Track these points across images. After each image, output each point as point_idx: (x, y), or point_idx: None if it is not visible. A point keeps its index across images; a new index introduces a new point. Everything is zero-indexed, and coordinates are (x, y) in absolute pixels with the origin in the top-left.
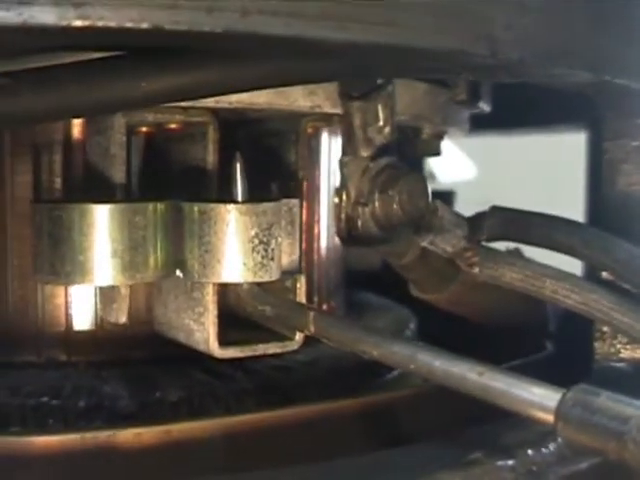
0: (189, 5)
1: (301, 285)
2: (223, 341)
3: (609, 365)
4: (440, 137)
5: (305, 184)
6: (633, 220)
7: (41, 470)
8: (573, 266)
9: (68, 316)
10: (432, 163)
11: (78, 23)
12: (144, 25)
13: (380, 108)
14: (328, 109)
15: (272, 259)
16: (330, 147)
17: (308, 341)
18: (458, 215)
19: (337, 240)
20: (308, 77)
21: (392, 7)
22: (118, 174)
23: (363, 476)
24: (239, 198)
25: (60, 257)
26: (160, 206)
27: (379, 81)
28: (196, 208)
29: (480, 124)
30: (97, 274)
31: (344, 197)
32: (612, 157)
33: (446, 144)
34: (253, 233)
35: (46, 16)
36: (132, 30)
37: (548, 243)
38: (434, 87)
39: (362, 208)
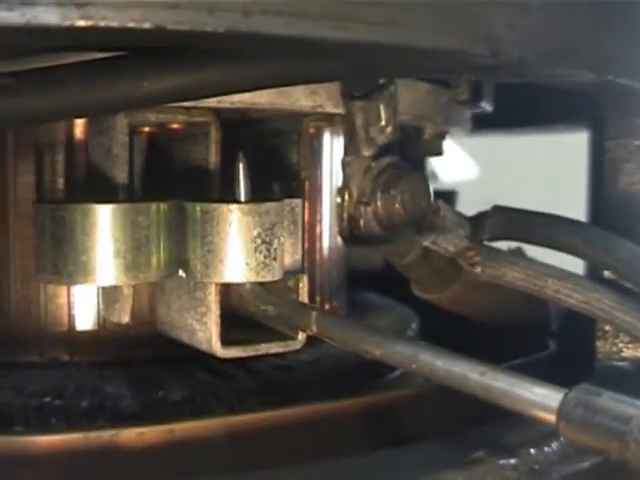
0: (191, 5)
1: (303, 285)
2: (226, 341)
3: (611, 364)
4: (442, 137)
5: (307, 184)
6: (635, 219)
7: (44, 470)
8: (575, 265)
9: (71, 316)
10: (434, 163)
11: (81, 23)
12: (146, 25)
13: (382, 108)
14: (330, 109)
15: (274, 259)
16: (332, 147)
17: (310, 341)
18: (460, 215)
19: (339, 240)
20: (310, 77)
21: (393, 7)
22: (120, 174)
23: (365, 475)
24: (242, 198)
25: (63, 257)
26: (163, 206)
27: (381, 81)
28: (199, 208)
29: (482, 124)
30: (100, 274)
31: (346, 197)
32: (614, 156)
33: (448, 144)
34: (256, 233)
35: (49, 16)
36: (134, 30)
37: (550, 242)
38: (436, 87)
39: (364, 208)
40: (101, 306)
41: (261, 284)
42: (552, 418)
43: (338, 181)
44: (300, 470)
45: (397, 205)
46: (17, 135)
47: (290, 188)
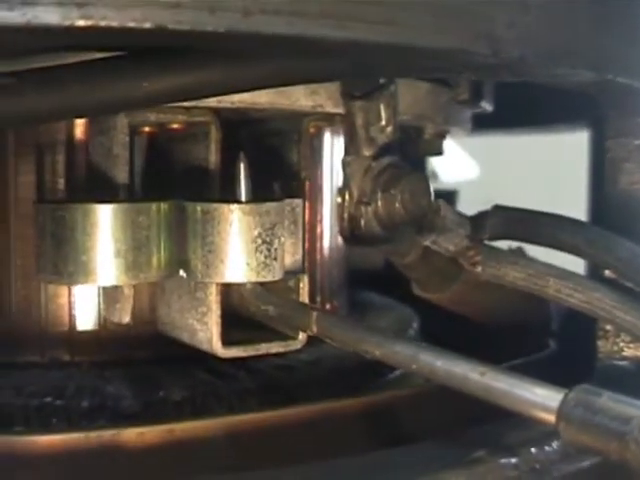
0: (192, 5)
1: (304, 285)
2: (226, 341)
3: (612, 364)
4: (442, 137)
5: (308, 184)
6: (635, 219)
7: (44, 469)
8: (576, 265)
9: (71, 316)
10: (435, 163)
11: (81, 23)
12: (147, 25)
13: (382, 107)
14: (330, 109)
15: (275, 259)
16: (332, 147)
17: (311, 341)
18: (460, 214)
19: (340, 240)
20: (310, 76)
21: (393, 6)
22: (121, 174)
23: (366, 475)
24: (243, 198)
25: (63, 257)
26: (163, 206)
27: (381, 81)
28: (199, 208)
29: (482, 124)
30: (100, 274)
31: (346, 196)
32: (614, 156)
33: (448, 144)
34: (256, 233)
35: (49, 16)
36: (135, 30)
37: (551, 242)
38: (436, 87)
39: (365, 207)
40: (102, 306)
41: (262, 284)
42: (552, 418)
43: (338, 181)
44: (300, 470)
45: (397, 205)
46: (18, 135)
47: (290, 188)
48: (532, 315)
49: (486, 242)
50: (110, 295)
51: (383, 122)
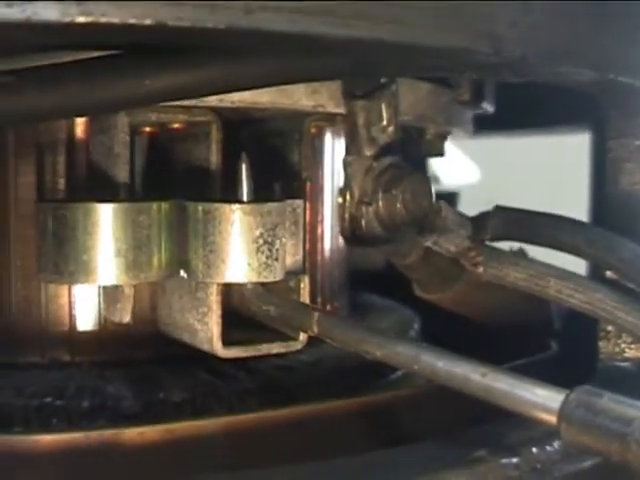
0: (192, 1)
1: (305, 285)
2: (227, 341)
3: (613, 365)
4: (444, 137)
5: (308, 184)
6: (636, 219)
7: (45, 469)
8: (577, 266)
9: (71, 316)
10: (436, 166)
11: (81, 19)
12: (147, 21)
13: (384, 107)
14: (331, 108)
15: (276, 259)
16: (333, 147)
17: (311, 341)
18: (462, 215)
19: (341, 241)
20: (311, 75)
21: (396, 4)
22: (122, 173)
23: (366, 475)
24: (244, 198)
25: (64, 256)
26: (164, 206)
27: (382, 80)
28: (200, 208)
29: (483, 125)
30: (101, 273)
31: (347, 197)
32: (615, 156)
33: (450, 148)
34: (258, 233)
35: (49, 12)
36: (135, 26)
37: (552, 242)
38: (437, 87)
39: (366, 208)
40: (102, 306)
41: (263, 284)
42: (553, 419)
43: (339, 181)
44: (300, 470)
45: (399, 205)
46: (18, 135)
47: (291, 188)
48: (533, 316)
49: (487, 243)
50: (110, 295)
51: (384, 122)
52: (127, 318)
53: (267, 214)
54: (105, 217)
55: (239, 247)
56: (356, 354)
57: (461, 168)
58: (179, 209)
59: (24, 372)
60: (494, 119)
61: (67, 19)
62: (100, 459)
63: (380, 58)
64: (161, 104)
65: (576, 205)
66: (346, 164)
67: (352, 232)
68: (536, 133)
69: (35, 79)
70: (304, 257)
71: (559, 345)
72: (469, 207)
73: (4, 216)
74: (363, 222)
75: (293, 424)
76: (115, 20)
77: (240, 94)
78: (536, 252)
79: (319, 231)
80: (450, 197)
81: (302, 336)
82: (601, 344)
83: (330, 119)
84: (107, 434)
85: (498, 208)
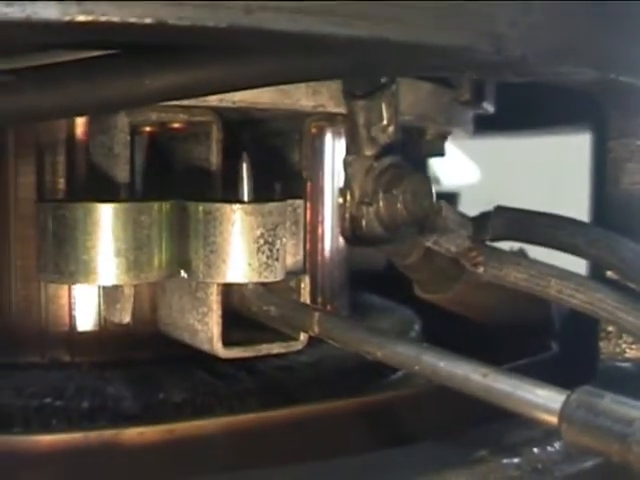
0: (193, 0)
1: (305, 285)
2: (227, 341)
3: (614, 365)
4: (444, 137)
5: (309, 184)
6: (637, 219)
7: (45, 469)
8: (578, 266)
9: (71, 317)
10: (436, 167)
11: (81, 18)
12: (147, 20)
13: (384, 107)
14: (332, 108)
15: (277, 259)
16: (334, 147)
17: (312, 342)
18: (462, 215)
19: (341, 241)
20: (312, 74)
21: (396, 4)
22: (122, 173)
23: (367, 475)
24: (245, 198)
25: (64, 256)
26: (165, 206)
27: (383, 80)
28: (201, 208)
29: (484, 126)
30: (101, 273)
31: (348, 197)
32: (616, 156)
33: (450, 148)
34: (258, 233)
35: (49, 11)
36: (135, 25)
37: (553, 243)
38: (438, 87)
39: (366, 208)
40: (102, 306)
41: (263, 284)
42: (554, 420)
43: (340, 181)
44: (300, 470)
45: (399, 205)
46: (18, 135)
47: (292, 188)
48: (534, 316)
49: (488, 243)
50: (110, 295)
51: (385, 122)
52: (127, 318)
53: (268, 214)
54: (105, 217)
55: (240, 247)
56: (357, 354)
57: (461, 169)
58: (180, 209)
59: (24, 372)
60: (495, 119)
61: (67, 18)
62: (100, 460)
63: (380, 58)
64: (161, 104)
65: (577, 205)
66: (346, 164)
67: (352, 232)
68: (537, 133)
69: (35, 78)
70: (304, 257)
71: (560, 345)
72: (469, 207)
73: (4, 216)
74: (363, 222)
75: (293, 424)
76: (115, 19)
77: (241, 94)
78: (536, 252)
79: (319, 231)
80: (450, 197)
81: (302, 336)
82: (602, 344)
83: (330, 119)
84: (107, 434)
85: (499, 208)
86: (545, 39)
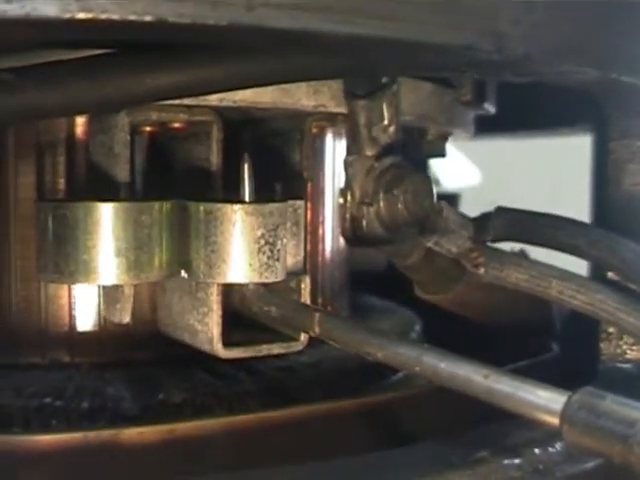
0: None
1: (305, 286)
2: (227, 341)
3: (615, 366)
4: (445, 138)
5: (309, 184)
6: (638, 220)
7: (44, 469)
8: (578, 267)
9: (71, 317)
10: (437, 169)
11: (81, 15)
12: (147, 18)
13: (385, 107)
14: (333, 108)
15: (278, 260)
16: (335, 147)
17: (312, 342)
18: (463, 216)
19: (341, 241)
20: (313, 74)
21: (397, 1)
22: (122, 173)
23: (368, 475)
24: (246, 198)
25: (64, 256)
26: (166, 205)
27: (384, 80)
28: (202, 208)
29: (485, 127)
30: (101, 273)
31: (349, 197)
32: (618, 157)
33: (451, 150)
34: (259, 234)
35: (49, 8)
36: (135, 23)
37: (554, 244)
38: (439, 87)
39: (367, 208)
40: (102, 306)
41: (264, 285)
42: (555, 421)
43: (340, 182)
44: (301, 471)
45: (400, 205)
46: (18, 135)
47: (292, 188)
48: (534, 317)
49: (489, 244)
50: (110, 295)
51: (386, 122)
52: (127, 318)
53: (269, 214)
54: (106, 216)
55: (241, 247)
56: (357, 355)
57: (462, 170)
58: (180, 209)
59: (24, 373)
60: (496, 120)
61: (67, 15)
62: (100, 460)
63: (380, 57)
64: (162, 103)
65: (577, 206)
66: (347, 164)
67: (353, 232)
68: (537, 134)
69: (35, 77)
70: (305, 258)
71: (560, 346)
72: (470, 209)
73: (4, 216)
74: (364, 222)
75: (294, 425)
76: (115, 16)
77: (241, 93)
78: (537, 253)
79: (320, 232)
80: (451, 198)
81: (303, 337)
82: (602, 345)
83: (331, 119)
84: (107, 435)
85: (500, 209)
86: (547, 38)
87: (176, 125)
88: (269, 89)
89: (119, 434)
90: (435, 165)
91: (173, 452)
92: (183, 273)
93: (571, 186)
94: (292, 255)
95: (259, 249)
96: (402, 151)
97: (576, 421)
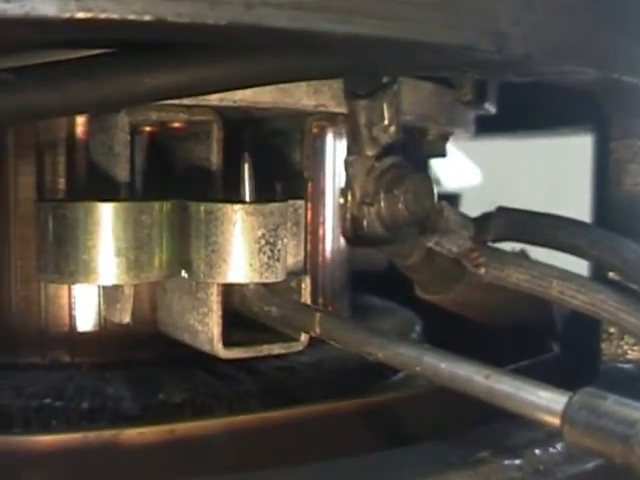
0: None
1: (306, 286)
2: (227, 342)
3: (616, 366)
4: (446, 138)
5: (310, 184)
6: (639, 220)
7: (44, 469)
8: (579, 267)
9: (71, 317)
10: (437, 169)
11: (80, 15)
12: (147, 17)
13: (385, 107)
14: (333, 108)
15: (278, 260)
16: (335, 147)
17: (312, 342)
18: (464, 216)
19: (342, 241)
20: (313, 74)
21: (398, 1)
22: (122, 173)
23: (369, 476)
24: (247, 198)
25: (64, 256)
26: (166, 205)
27: (384, 80)
28: (203, 208)
29: (485, 127)
30: (101, 273)
31: (349, 197)
32: (619, 157)
33: (451, 150)
34: (260, 234)
35: (48, 8)
36: (135, 22)
37: (554, 244)
38: (440, 87)
39: (367, 208)
40: (102, 306)
41: (264, 285)
42: (556, 421)
43: (341, 182)
44: (302, 471)
45: (400, 205)
46: (18, 135)
47: (292, 188)
48: (535, 317)
49: (489, 244)
50: (110, 295)
51: (386, 121)
52: (127, 318)
53: (269, 214)
54: (106, 216)
55: (241, 247)
56: (358, 355)
57: (463, 170)
58: (181, 209)
59: (24, 373)
60: (496, 120)
61: (66, 15)
62: (100, 460)
63: (379, 56)
64: (161, 103)
65: (578, 206)
66: (348, 164)
67: (354, 232)
68: (538, 134)
69: (34, 77)
70: (305, 258)
71: (561, 347)
72: (471, 208)
73: (4, 216)
74: (365, 222)
75: (294, 425)
76: (114, 16)
77: (241, 93)
78: (538, 253)
79: (320, 232)
80: (452, 198)
81: (303, 337)
82: (603, 346)
83: (332, 119)
84: (107, 435)
85: (500, 209)
86: (548, 37)
87: (176, 125)
88: (269, 89)
89: (119, 434)
90: (436, 165)
91: (173, 452)
92: (183, 273)
93: (572, 186)
94: (292, 255)
95: (260, 249)
96: (403, 151)
97: (577, 421)
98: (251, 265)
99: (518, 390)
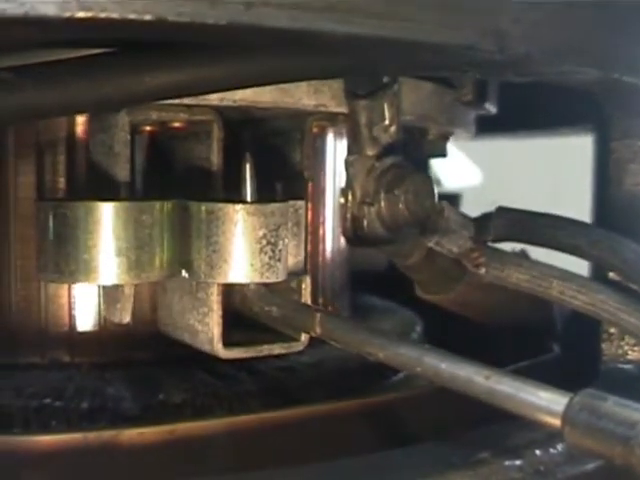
0: None
1: (306, 286)
2: (227, 342)
3: (616, 367)
4: (446, 138)
5: (310, 184)
6: (639, 220)
7: (44, 470)
8: (579, 267)
9: (71, 317)
10: (438, 169)
11: (80, 14)
12: (147, 17)
13: (386, 107)
14: (333, 108)
15: (279, 260)
16: (335, 147)
17: (313, 342)
18: (464, 216)
19: (342, 242)
20: (313, 73)
21: (398, 0)
22: (122, 172)
23: (369, 476)
24: (248, 198)
25: (64, 255)
26: (167, 205)
27: (385, 80)
28: (204, 208)
29: (486, 127)
30: (102, 273)
31: (349, 197)
32: (619, 157)
33: (452, 150)
34: (261, 234)
35: (48, 7)
36: (135, 22)
37: (555, 244)
38: (440, 87)
39: (368, 208)
40: (102, 306)
41: (265, 285)
42: (557, 422)
43: (341, 182)
44: (302, 471)
45: (401, 205)
46: (18, 135)
47: (293, 188)
48: (535, 317)
49: (490, 244)
50: (110, 295)
51: (387, 121)
52: (127, 318)
53: (270, 214)
54: (106, 216)
55: (242, 247)
56: (358, 355)
57: (463, 170)
58: (181, 209)
59: (24, 373)
60: (497, 120)
61: (66, 14)
62: (100, 460)
63: (381, 56)
64: (162, 103)
65: (578, 206)
66: (348, 164)
67: (354, 232)
68: (538, 134)
69: (34, 76)
70: (306, 258)
71: (561, 347)
72: (471, 208)
73: (4, 216)
74: (365, 222)
75: (294, 425)
76: (114, 15)
77: (241, 93)
78: (538, 253)
79: (321, 232)
80: (452, 198)
81: (303, 337)
82: (604, 346)
83: (332, 119)
84: (106, 435)
85: (500, 209)
86: (549, 37)
87: (176, 124)
88: (269, 89)
89: (119, 434)
90: (436, 165)
91: (173, 453)
92: (184, 273)
93: (572, 186)
94: (293, 255)
95: (261, 249)
96: (403, 151)
97: (577, 422)
98: (252, 265)
99: (518, 391)
